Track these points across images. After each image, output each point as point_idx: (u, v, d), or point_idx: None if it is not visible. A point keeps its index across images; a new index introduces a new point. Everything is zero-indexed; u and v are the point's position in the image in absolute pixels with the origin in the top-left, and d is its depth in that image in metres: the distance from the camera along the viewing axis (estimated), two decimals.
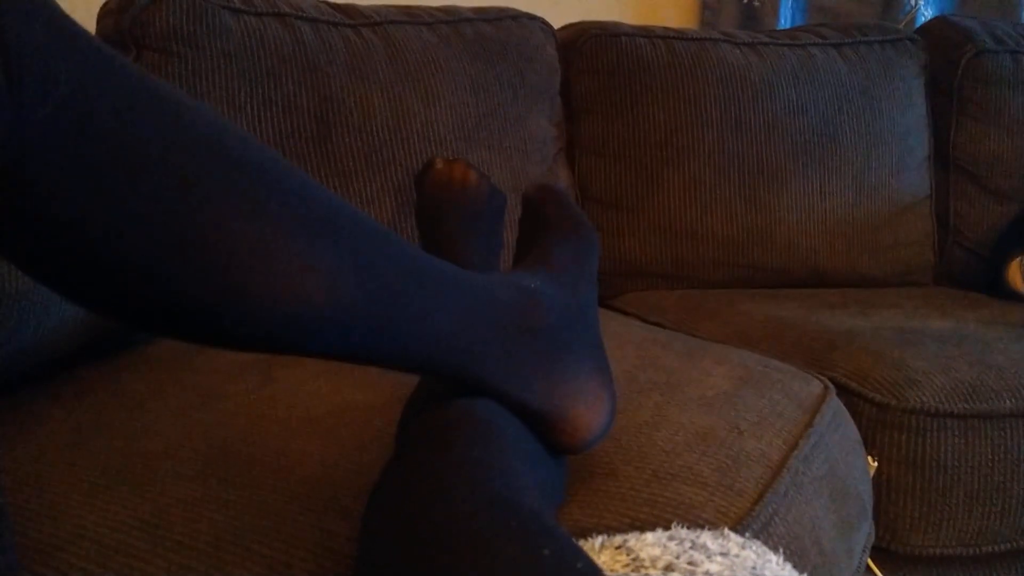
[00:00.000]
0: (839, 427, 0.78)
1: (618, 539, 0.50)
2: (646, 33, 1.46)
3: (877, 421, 0.90)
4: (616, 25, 1.47)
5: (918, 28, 1.67)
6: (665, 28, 1.50)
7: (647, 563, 0.46)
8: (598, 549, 0.49)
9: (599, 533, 0.52)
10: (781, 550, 0.53)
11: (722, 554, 0.48)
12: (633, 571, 0.46)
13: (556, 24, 1.47)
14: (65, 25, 0.36)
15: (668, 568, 0.46)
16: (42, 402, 0.70)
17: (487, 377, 0.50)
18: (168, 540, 0.49)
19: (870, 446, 0.89)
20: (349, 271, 0.43)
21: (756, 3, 1.74)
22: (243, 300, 0.39)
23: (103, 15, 1.12)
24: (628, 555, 0.47)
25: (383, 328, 0.45)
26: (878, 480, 0.89)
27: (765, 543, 0.57)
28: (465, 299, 0.50)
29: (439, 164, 0.86)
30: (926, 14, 1.81)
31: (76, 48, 0.36)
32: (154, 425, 0.63)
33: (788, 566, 0.49)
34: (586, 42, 1.45)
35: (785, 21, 1.77)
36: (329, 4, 1.23)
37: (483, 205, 0.84)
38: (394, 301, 0.45)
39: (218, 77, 1.09)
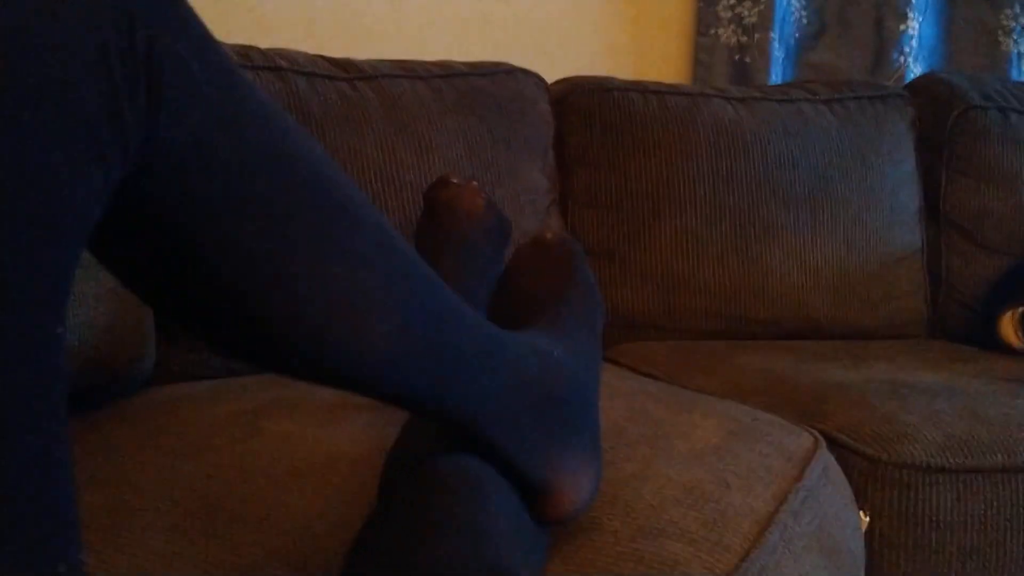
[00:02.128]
0: (830, 481, 0.77)
1: None
2: (638, 88, 1.48)
3: (869, 475, 0.89)
4: (609, 79, 1.49)
5: (907, 84, 1.69)
6: (657, 83, 1.52)
7: None
8: None
9: None
10: None
11: None
12: None
13: (550, 78, 1.49)
14: (209, 52, 0.38)
15: None
16: None
17: (502, 445, 0.50)
18: None
19: (862, 501, 0.88)
20: (418, 318, 0.44)
21: (748, 59, 1.77)
22: (322, 336, 0.40)
23: None
24: None
25: (433, 379, 0.46)
26: (870, 536, 0.88)
27: None
28: (507, 369, 0.50)
29: (453, 180, 0.85)
30: (915, 71, 1.83)
31: (217, 77, 0.38)
32: (137, 477, 0.63)
33: None
34: (579, 96, 1.47)
35: (776, 77, 1.79)
36: (326, 59, 1.25)
37: (489, 232, 0.83)
38: (450, 356, 0.46)
39: None
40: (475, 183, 0.86)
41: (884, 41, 1.83)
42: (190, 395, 0.87)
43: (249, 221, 0.37)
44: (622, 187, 1.43)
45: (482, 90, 1.34)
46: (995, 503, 0.88)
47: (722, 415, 0.83)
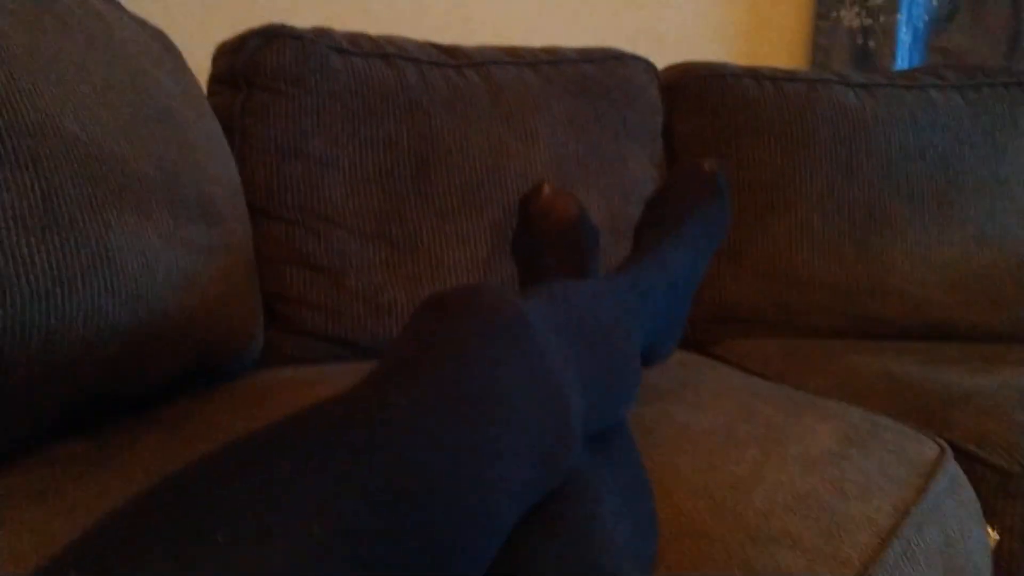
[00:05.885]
0: (957, 494, 0.72)
1: None
2: (753, 73, 1.42)
3: (999, 489, 0.83)
4: (721, 65, 1.44)
5: None
6: (774, 68, 1.46)
7: None
8: None
9: None
10: None
11: None
12: None
13: (660, 64, 1.45)
14: None
15: None
16: (138, 428, 0.71)
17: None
18: None
19: (991, 517, 0.82)
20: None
21: (871, 43, 1.68)
22: None
23: (219, 55, 1.16)
24: None
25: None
26: (999, 554, 0.81)
27: None
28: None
29: (547, 191, 0.87)
30: None
31: None
32: None
33: None
34: (691, 82, 1.42)
35: (902, 62, 1.70)
36: (434, 45, 1.25)
37: (580, 240, 0.84)
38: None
39: (323, 115, 1.11)
40: (570, 192, 0.91)
41: (1021, 24, 1.71)
42: (293, 378, 0.88)
43: None
44: (735, 177, 1.38)
45: (590, 77, 1.31)
46: None
47: (838, 419, 0.79)
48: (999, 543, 0.82)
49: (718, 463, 0.65)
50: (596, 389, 0.50)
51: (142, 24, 0.88)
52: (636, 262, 0.73)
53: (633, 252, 0.80)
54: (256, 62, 1.11)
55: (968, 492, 0.75)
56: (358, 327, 1.10)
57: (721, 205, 0.85)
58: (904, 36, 1.70)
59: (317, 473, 0.29)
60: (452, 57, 1.24)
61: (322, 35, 1.15)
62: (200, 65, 1.13)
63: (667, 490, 0.61)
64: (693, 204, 0.83)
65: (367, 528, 0.28)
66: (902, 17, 1.67)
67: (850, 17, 1.68)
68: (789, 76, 1.44)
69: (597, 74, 1.32)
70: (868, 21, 1.67)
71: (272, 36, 1.12)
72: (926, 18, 1.74)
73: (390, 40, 1.21)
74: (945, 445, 0.78)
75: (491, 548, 0.35)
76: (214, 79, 1.16)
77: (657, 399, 0.84)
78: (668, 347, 0.79)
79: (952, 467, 0.75)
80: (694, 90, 1.42)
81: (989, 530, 0.78)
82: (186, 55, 0.97)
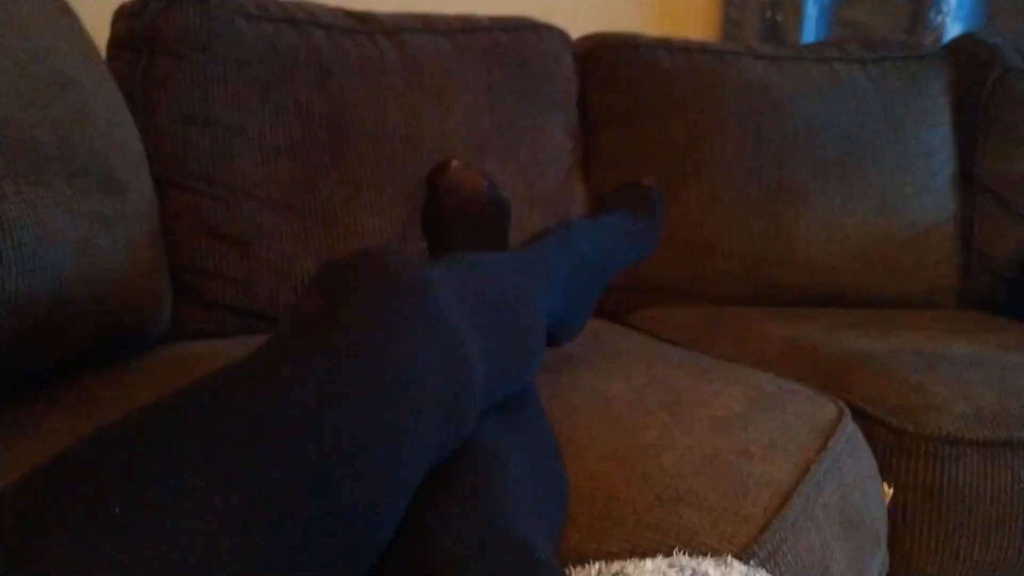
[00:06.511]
0: (854, 452, 0.75)
1: (615, 566, 0.48)
2: (666, 45, 1.44)
3: (894, 447, 0.87)
4: (635, 36, 1.45)
5: (945, 45, 1.64)
6: (686, 40, 1.48)
7: None
8: None
9: (597, 560, 0.50)
10: None
11: None
12: None
13: (575, 34, 1.46)
14: None
15: None
16: (41, 406, 0.68)
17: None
18: None
19: (886, 473, 0.86)
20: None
21: (779, 17, 1.72)
22: None
23: (117, 18, 1.12)
24: None
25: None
26: (893, 508, 0.86)
27: (771, 572, 0.54)
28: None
29: (455, 165, 0.87)
30: (953, 31, 1.77)
31: None
32: None
33: None
34: (604, 53, 1.43)
35: (809, 35, 1.74)
36: (345, 11, 1.22)
37: (490, 214, 0.84)
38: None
39: (230, 83, 1.08)
40: (477, 166, 0.93)
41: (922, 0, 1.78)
42: (203, 352, 0.87)
43: None
44: (646, 148, 1.40)
45: (505, 45, 1.31)
46: (1023, 476, 0.86)
47: (745, 383, 0.81)
48: (893, 497, 0.86)
49: (629, 428, 0.67)
50: (498, 354, 0.50)
51: None
52: (544, 239, 0.74)
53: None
54: (158, 25, 1.07)
55: (865, 450, 0.79)
56: (270, 299, 1.08)
57: (651, 214, 0.93)
58: (811, 10, 1.74)
59: (217, 442, 0.28)
60: (364, 24, 1.22)
61: None
62: (98, 29, 1.08)
63: (579, 455, 0.62)
64: (618, 205, 0.90)
65: (270, 494, 0.28)
66: None
67: None
68: (701, 48, 1.46)
69: (511, 43, 1.32)
70: None
71: None
72: None
73: (299, 5, 1.18)
74: (844, 406, 0.82)
75: (397, 507, 0.36)
76: (114, 43, 1.11)
77: (571, 367, 0.85)
78: (573, 329, 0.81)
79: (850, 427, 0.78)
80: (608, 60, 1.43)
81: (884, 486, 0.82)
82: (84, 18, 0.93)
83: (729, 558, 0.51)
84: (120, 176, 0.80)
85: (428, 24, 1.27)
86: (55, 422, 0.64)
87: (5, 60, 0.66)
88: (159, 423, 0.29)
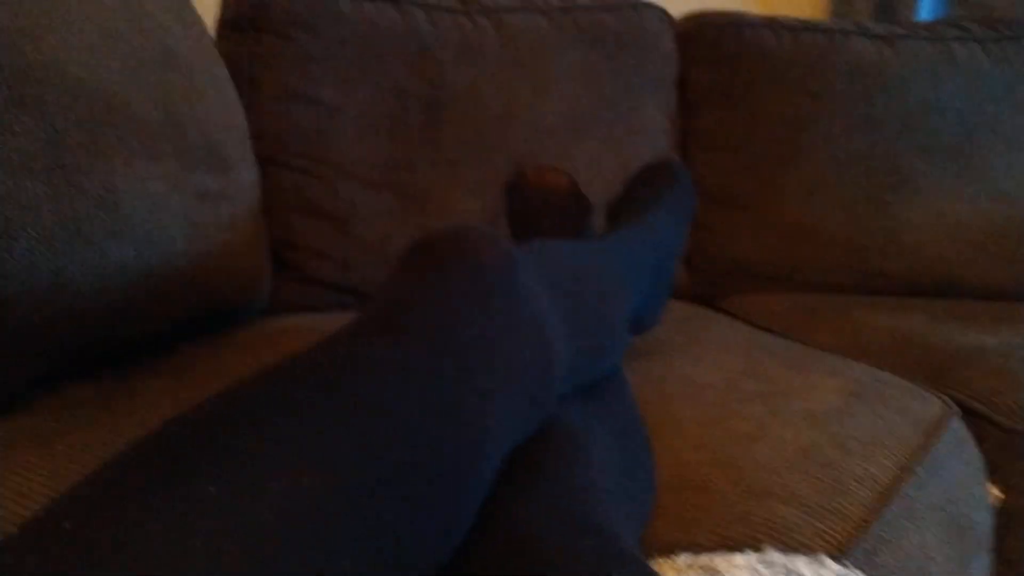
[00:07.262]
0: (960, 452, 0.72)
1: (704, 558, 0.47)
2: (771, 24, 1.40)
3: (1004, 447, 0.83)
4: (739, 15, 1.41)
5: None
6: (792, 19, 1.43)
7: None
8: (682, 568, 0.46)
9: (684, 550, 0.49)
10: None
11: None
12: None
13: (676, 13, 1.43)
14: None
15: None
16: (143, 374, 0.71)
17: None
18: None
19: (995, 475, 0.82)
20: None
21: None
22: None
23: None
24: None
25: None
26: (1001, 512, 0.82)
27: (867, 574, 0.53)
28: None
29: (529, 174, 0.89)
30: None
31: None
32: None
33: None
34: (707, 32, 1.39)
35: (924, 13, 1.66)
36: None
37: (572, 211, 0.85)
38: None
39: (332, 62, 1.10)
40: (551, 165, 0.94)
41: None
42: (299, 326, 0.89)
43: None
44: (748, 130, 1.36)
45: (604, 25, 1.29)
46: None
47: (845, 375, 0.79)
48: (1002, 501, 0.82)
49: (722, 417, 0.65)
50: (580, 339, 0.50)
51: None
52: (623, 227, 0.73)
53: (614, 224, 0.83)
54: (265, 6, 1.09)
55: (972, 450, 0.75)
56: (365, 276, 1.10)
57: (686, 186, 0.91)
58: None
59: (306, 424, 0.29)
60: (463, 3, 1.22)
61: None
62: (208, 9, 1.11)
63: (669, 443, 0.61)
64: (663, 184, 0.89)
65: (358, 477, 0.28)
66: None
67: None
68: (807, 26, 1.41)
69: (611, 23, 1.30)
70: None
71: None
72: None
73: None
74: (951, 403, 0.78)
75: (481, 488, 0.36)
76: (222, 23, 1.14)
77: (663, 353, 0.83)
78: (657, 313, 0.81)
79: (957, 425, 0.75)
80: (710, 40, 1.39)
81: (992, 488, 0.78)
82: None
83: (822, 556, 0.49)
84: (226, 153, 0.82)
85: (527, 3, 1.27)
86: (157, 389, 0.66)
87: (116, 39, 0.68)
88: (251, 402, 0.30)
